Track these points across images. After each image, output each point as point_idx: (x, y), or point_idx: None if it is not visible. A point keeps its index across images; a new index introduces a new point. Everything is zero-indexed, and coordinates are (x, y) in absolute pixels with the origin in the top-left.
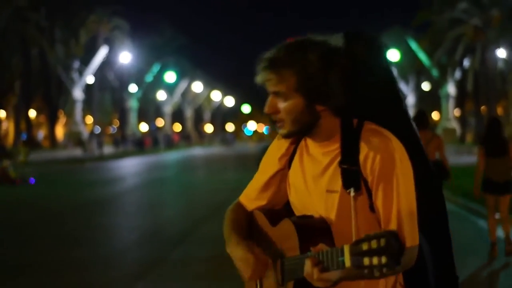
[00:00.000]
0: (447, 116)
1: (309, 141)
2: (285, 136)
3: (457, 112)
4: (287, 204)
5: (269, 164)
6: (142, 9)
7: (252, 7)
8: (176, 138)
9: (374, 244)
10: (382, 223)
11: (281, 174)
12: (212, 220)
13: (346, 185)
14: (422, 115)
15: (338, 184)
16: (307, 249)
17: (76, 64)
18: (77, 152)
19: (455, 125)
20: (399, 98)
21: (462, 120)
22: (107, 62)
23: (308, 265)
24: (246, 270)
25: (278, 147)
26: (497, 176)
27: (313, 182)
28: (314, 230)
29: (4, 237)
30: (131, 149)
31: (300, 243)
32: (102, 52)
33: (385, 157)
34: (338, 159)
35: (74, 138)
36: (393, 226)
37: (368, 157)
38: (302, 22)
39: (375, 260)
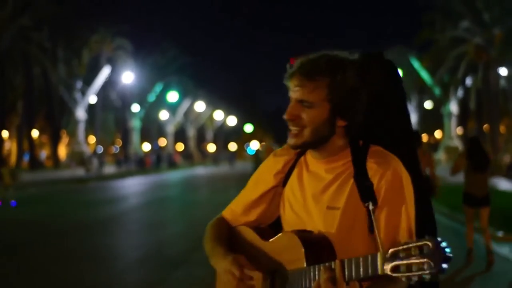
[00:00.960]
0: (449, 134)
1: (310, 158)
2: (297, 147)
3: (459, 131)
4: (272, 222)
5: (262, 180)
6: (145, 28)
7: (256, 27)
8: (177, 158)
9: (414, 250)
10: (386, 241)
11: (274, 191)
12: None
13: (364, 198)
14: (415, 135)
15: (341, 201)
16: (313, 261)
17: (79, 84)
18: (80, 171)
19: (457, 143)
20: (410, 128)
21: (464, 138)
22: (110, 82)
23: (323, 276)
24: (232, 282)
25: (274, 163)
26: (477, 190)
27: (313, 199)
28: (318, 244)
29: (4, 256)
30: (134, 169)
31: (306, 255)
32: (105, 72)
33: (393, 179)
34: (343, 176)
35: (76, 158)
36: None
37: (375, 176)
38: (305, 41)
39: (415, 267)
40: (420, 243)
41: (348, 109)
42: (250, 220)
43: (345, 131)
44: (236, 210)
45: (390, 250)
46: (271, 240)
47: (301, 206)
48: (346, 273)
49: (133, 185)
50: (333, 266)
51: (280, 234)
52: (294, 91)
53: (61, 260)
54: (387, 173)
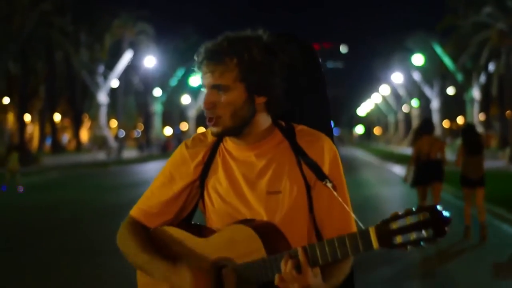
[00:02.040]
0: (472, 120)
1: (232, 146)
2: (219, 134)
3: (482, 117)
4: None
5: (179, 175)
6: (166, 14)
7: (276, 14)
8: None
9: (410, 219)
10: (344, 218)
11: (192, 185)
12: None
13: (320, 177)
14: (428, 123)
15: (281, 184)
16: (271, 250)
17: (101, 69)
18: (102, 155)
19: (480, 129)
20: (327, 103)
21: (486, 124)
22: (132, 66)
23: (290, 264)
24: None
25: (191, 155)
26: (473, 173)
27: (248, 187)
28: (270, 232)
29: (27, 240)
30: (156, 153)
31: (265, 244)
32: (127, 56)
33: (332, 156)
34: (277, 159)
35: (98, 142)
36: (352, 220)
37: (315, 155)
38: (326, 28)
39: (413, 236)
40: (418, 212)
41: (263, 84)
42: (168, 219)
43: (267, 107)
44: (150, 210)
45: (383, 223)
46: (212, 236)
47: (233, 195)
48: (320, 256)
49: (155, 170)
50: (298, 253)
51: (224, 228)
52: (206, 78)
53: (82, 245)
54: (325, 150)
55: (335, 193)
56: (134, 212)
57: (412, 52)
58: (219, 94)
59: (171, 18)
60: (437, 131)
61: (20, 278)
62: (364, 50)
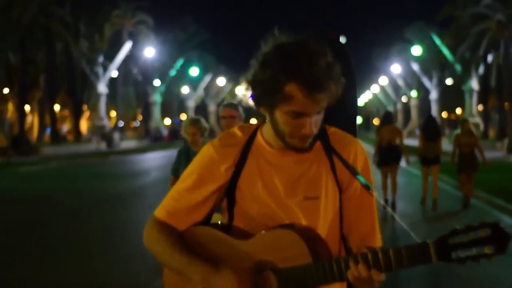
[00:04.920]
0: (470, 111)
1: (267, 149)
2: (306, 149)
3: (480, 108)
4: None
5: (211, 176)
6: (166, 4)
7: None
8: None
9: (470, 235)
10: (374, 223)
11: (223, 186)
12: None
13: (366, 186)
14: (389, 115)
15: (318, 190)
16: (317, 256)
17: (100, 59)
18: (101, 145)
19: (478, 120)
20: (356, 104)
21: (485, 115)
22: (131, 57)
23: (361, 267)
24: None
25: (222, 157)
26: (430, 153)
27: (285, 191)
28: (314, 237)
29: (26, 230)
30: (156, 143)
31: (310, 251)
32: (126, 47)
33: (364, 159)
34: (315, 165)
35: (95, 131)
36: (377, 227)
37: (350, 159)
38: (327, 16)
39: (473, 251)
40: (479, 227)
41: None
42: (197, 221)
43: None
44: (179, 213)
45: (443, 238)
46: (252, 238)
47: (269, 199)
48: (383, 263)
49: (154, 159)
50: (368, 257)
51: (266, 231)
52: (312, 106)
53: (80, 234)
54: (358, 154)
55: (375, 197)
56: (161, 214)
57: (411, 43)
58: (319, 114)
59: (171, 8)
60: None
61: (20, 267)
62: (363, 41)
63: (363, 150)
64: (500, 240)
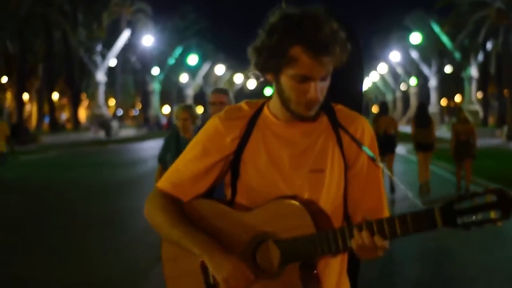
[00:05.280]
0: (469, 99)
1: (273, 122)
2: (311, 117)
3: (479, 95)
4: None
5: (214, 147)
6: None
7: None
8: None
9: (476, 201)
10: (382, 195)
11: (227, 158)
12: None
13: (373, 158)
14: (384, 106)
15: (324, 163)
16: (320, 228)
17: (99, 47)
18: (100, 134)
19: (477, 108)
20: (361, 85)
21: (484, 103)
22: (130, 45)
23: (365, 235)
24: (240, 283)
25: (227, 129)
26: (422, 140)
27: (290, 163)
28: (317, 210)
29: (26, 218)
30: (155, 131)
31: (314, 222)
32: (125, 35)
33: (371, 136)
34: (321, 138)
35: (93, 120)
36: (385, 201)
37: (357, 135)
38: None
39: (478, 216)
40: (484, 193)
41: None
42: (200, 193)
43: None
44: (182, 183)
45: (448, 204)
46: (254, 210)
47: (274, 171)
48: (388, 230)
49: (153, 148)
50: (373, 226)
51: (268, 203)
52: (317, 70)
53: (79, 222)
54: (365, 130)
55: (385, 169)
56: (164, 185)
57: (410, 30)
58: (324, 82)
59: None
60: (434, 109)
61: (20, 257)
62: (362, 28)
63: (370, 128)
64: (506, 205)
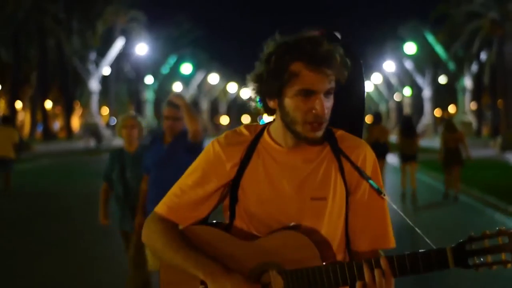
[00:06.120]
0: (463, 109)
1: (274, 148)
2: (318, 139)
3: (473, 106)
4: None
5: (215, 173)
6: (159, 1)
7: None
8: None
9: (487, 242)
10: (388, 227)
11: (227, 183)
12: None
13: (380, 191)
14: (378, 116)
15: (326, 191)
16: (325, 259)
17: (93, 56)
18: (90, 143)
19: (471, 118)
20: (363, 115)
21: (478, 113)
22: (124, 54)
23: (377, 271)
24: None
25: (227, 155)
26: (408, 151)
27: (291, 191)
28: (321, 239)
29: (17, 227)
30: (149, 141)
31: (321, 252)
32: (119, 44)
33: (373, 162)
34: (323, 165)
35: (84, 129)
36: (390, 230)
37: (359, 162)
38: (324, 14)
39: (489, 258)
40: (496, 235)
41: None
42: (199, 219)
43: None
44: (181, 209)
45: (460, 245)
46: (258, 239)
47: (274, 199)
48: (398, 268)
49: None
50: (381, 263)
51: (271, 233)
52: (320, 83)
53: (70, 231)
54: (367, 157)
55: (388, 201)
56: (162, 210)
57: (404, 40)
58: (329, 97)
59: (164, 5)
60: (428, 120)
61: (9, 264)
62: (357, 38)
63: (372, 154)
64: None
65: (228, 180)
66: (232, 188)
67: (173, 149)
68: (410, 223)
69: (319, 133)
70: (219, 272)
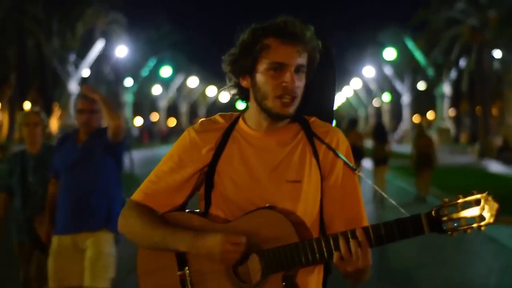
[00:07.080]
0: (442, 116)
1: (249, 132)
2: (291, 116)
3: (452, 112)
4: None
5: (190, 159)
6: (140, 3)
7: (252, 3)
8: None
9: (460, 206)
10: (361, 205)
11: (203, 169)
12: None
13: (353, 169)
14: (354, 121)
15: (301, 173)
16: (302, 237)
17: (72, 57)
18: None
19: (449, 125)
20: (333, 102)
21: (457, 120)
22: (103, 56)
23: (352, 242)
24: (235, 254)
25: (203, 140)
26: (379, 155)
27: (267, 174)
28: (297, 219)
29: None
30: (126, 143)
31: (297, 230)
32: (99, 46)
33: (346, 146)
34: (298, 148)
35: (64, 131)
36: (364, 211)
37: (333, 145)
38: (300, 17)
39: (463, 222)
40: (470, 198)
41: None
42: (175, 205)
43: None
44: (158, 195)
45: (435, 209)
46: (234, 221)
47: (250, 182)
48: (374, 237)
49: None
50: (357, 234)
51: (247, 214)
52: (291, 57)
53: None
54: (340, 141)
55: (365, 178)
56: (139, 196)
57: (384, 46)
58: (300, 76)
59: (144, 7)
60: (407, 126)
61: None
62: (336, 43)
63: (345, 138)
64: (490, 210)
65: (204, 165)
66: (208, 174)
67: (88, 148)
68: (383, 194)
69: (291, 109)
70: (194, 237)
